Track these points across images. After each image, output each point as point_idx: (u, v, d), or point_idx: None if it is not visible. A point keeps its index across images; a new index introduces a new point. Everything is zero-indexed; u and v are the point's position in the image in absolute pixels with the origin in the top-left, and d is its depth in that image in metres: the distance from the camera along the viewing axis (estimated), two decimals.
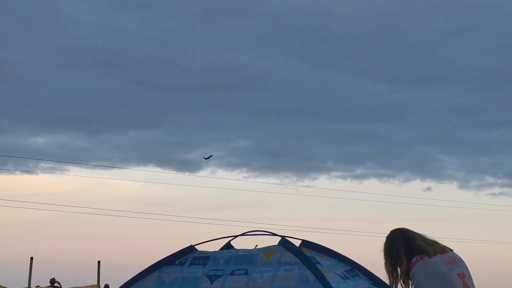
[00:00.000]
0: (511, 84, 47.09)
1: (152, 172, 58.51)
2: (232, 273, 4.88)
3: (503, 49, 46.70)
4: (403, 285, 4.34)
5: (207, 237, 5.32)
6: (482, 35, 45.75)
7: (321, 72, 47.31)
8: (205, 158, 27.80)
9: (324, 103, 47.58)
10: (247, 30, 45.44)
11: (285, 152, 46.54)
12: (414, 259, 4.18)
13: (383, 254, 4.49)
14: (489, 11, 43.84)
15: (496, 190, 57.51)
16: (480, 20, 44.55)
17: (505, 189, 57.32)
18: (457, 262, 4.20)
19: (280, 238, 5.07)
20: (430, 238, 4.31)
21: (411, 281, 4.18)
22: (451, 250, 4.27)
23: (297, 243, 5.11)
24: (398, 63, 45.84)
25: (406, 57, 46.17)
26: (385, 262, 4.45)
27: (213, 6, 44.20)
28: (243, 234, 5.28)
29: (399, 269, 4.36)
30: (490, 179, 51.78)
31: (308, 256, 4.87)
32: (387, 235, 4.52)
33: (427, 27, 45.04)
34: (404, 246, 4.30)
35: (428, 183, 54.72)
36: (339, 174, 50.67)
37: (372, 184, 51.10)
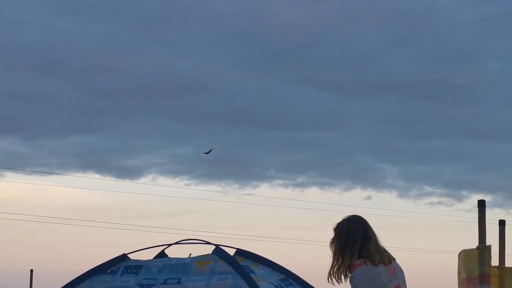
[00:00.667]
0: (449, 94, 47.96)
1: (91, 179, 57.69)
2: (164, 282, 4.82)
3: (442, 59, 47.57)
4: (343, 274, 4.26)
5: (147, 245, 5.26)
6: (421, 45, 46.53)
7: (263, 80, 47.43)
8: (205, 153, 27.37)
9: (266, 111, 47.72)
10: (189, 36, 45.29)
11: (227, 160, 46.47)
12: (358, 261, 4.17)
13: (336, 233, 4.32)
14: (429, 22, 44.64)
15: (435, 199, 58.29)
16: (419, 31, 45.34)
17: (443, 199, 58.23)
18: (397, 273, 4.22)
19: (214, 246, 5.04)
20: (382, 245, 4.29)
21: (350, 282, 4.16)
22: (394, 260, 4.29)
23: (232, 251, 5.08)
24: (340, 72, 46.29)
25: (347, 66, 46.65)
26: (335, 243, 4.28)
27: (155, 11, 43.93)
28: (176, 243, 5.23)
29: (345, 257, 4.24)
30: (429, 189, 52.53)
31: (242, 265, 4.85)
32: (348, 217, 4.36)
33: (368, 37, 45.62)
34: (360, 241, 4.23)
35: (369, 192, 55.21)
36: (281, 182, 50.81)
37: (313, 192, 51.34)
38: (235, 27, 43.02)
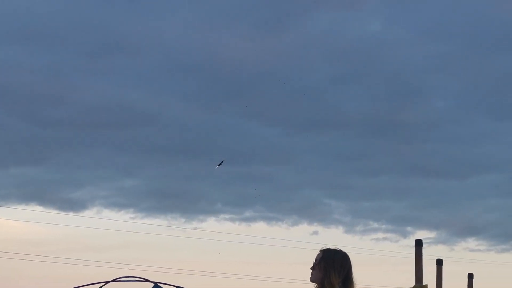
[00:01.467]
0: (396, 131, 48.70)
1: (33, 211, 56.76)
2: None
3: (388, 97, 48.30)
4: None
5: (90, 279, 5.17)
6: (369, 82, 47.12)
7: (212, 113, 47.50)
8: (218, 165, 26.98)
9: (214, 145, 47.71)
10: (138, 68, 45.00)
11: (173, 193, 46.15)
12: None
13: (326, 262, 4.27)
14: (376, 59, 45.40)
15: (380, 235, 58.83)
16: (367, 68, 45.98)
17: (388, 235, 58.83)
18: None
19: (153, 284, 5.00)
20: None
21: None
22: None
23: None
24: (289, 107, 46.64)
25: (296, 101, 47.03)
26: (324, 268, 4.24)
27: (102, 41, 43.65)
28: (114, 280, 5.16)
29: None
30: (375, 225, 53.01)
31: None
32: (340, 251, 4.35)
33: (317, 73, 46.12)
34: (342, 278, 4.22)
35: (315, 227, 55.35)
36: (227, 216, 50.70)
37: (260, 227, 51.31)
38: (184, 59, 43.05)
